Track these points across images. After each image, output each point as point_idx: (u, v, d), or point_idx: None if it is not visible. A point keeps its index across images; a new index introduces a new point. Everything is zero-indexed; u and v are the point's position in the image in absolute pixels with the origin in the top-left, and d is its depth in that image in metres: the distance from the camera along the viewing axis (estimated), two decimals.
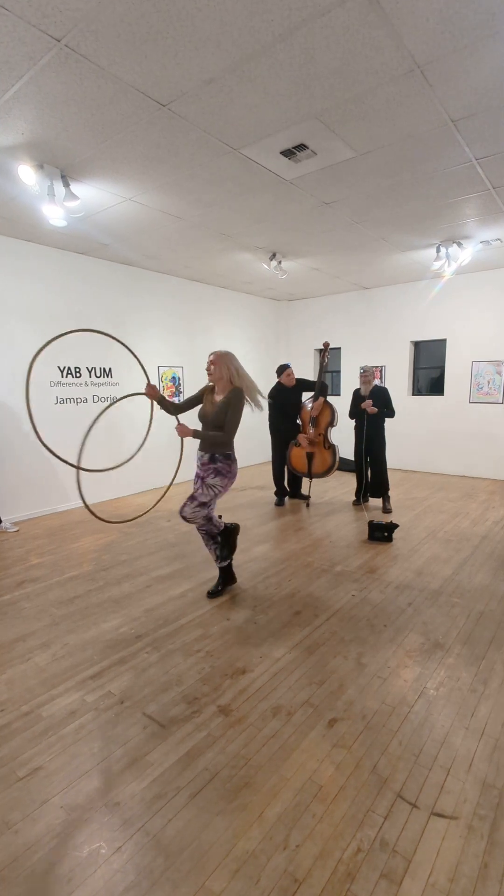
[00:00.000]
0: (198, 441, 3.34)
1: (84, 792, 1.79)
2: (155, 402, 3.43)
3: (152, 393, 3.32)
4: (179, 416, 3.43)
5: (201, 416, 3.37)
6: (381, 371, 7.98)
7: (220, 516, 3.52)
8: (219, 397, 3.31)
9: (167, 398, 3.52)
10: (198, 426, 3.32)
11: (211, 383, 3.40)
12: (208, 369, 3.31)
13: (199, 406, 3.44)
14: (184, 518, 3.25)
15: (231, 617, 3.12)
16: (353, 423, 5.68)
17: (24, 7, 2.00)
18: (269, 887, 1.44)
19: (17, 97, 2.61)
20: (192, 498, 3.25)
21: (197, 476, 3.34)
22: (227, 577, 3.53)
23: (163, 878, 1.47)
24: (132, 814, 1.70)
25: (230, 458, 3.32)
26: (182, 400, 3.60)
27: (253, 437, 8.59)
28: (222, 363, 3.26)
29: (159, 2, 1.98)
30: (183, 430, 3.19)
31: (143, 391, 3.35)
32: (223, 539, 3.47)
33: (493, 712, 2.19)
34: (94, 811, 1.71)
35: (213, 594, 3.44)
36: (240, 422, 3.23)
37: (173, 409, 3.47)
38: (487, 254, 5.90)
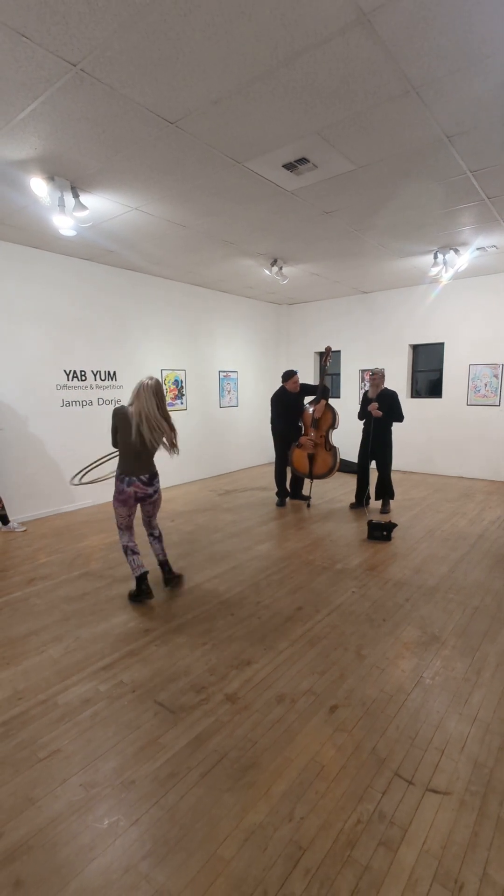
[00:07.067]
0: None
1: (101, 772, 1.91)
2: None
3: None
4: None
5: None
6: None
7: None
8: None
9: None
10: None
11: None
12: None
13: None
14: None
15: (235, 612, 3.24)
16: (362, 425, 5.76)
17: (44, 36, 2.13)
18: (276, 854, 1.56)
19: (32, 115, 2.74)
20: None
21: (139, 498, 3.44)
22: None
23: (178, 847, 1.59)
24: (147, 790, 1.82)
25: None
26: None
27: (255, 439, 8.75)
28: None
29: (170, 30, 2.11)
30: None
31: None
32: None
33: (486, 699, 2.32)
34: (112, 788, 1.83)
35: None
36: (112, 433, 3.38)
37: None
38: (483, 260, 6.04)
